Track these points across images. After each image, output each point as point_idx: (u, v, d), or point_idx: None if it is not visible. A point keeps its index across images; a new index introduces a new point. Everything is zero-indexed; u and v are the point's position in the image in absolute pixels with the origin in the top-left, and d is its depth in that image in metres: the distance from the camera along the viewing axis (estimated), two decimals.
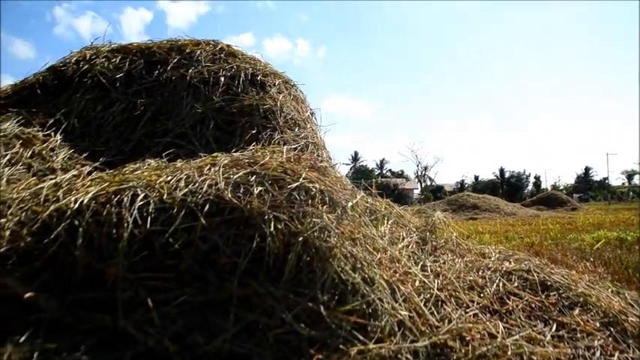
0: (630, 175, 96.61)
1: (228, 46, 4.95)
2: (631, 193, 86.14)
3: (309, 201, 2.34)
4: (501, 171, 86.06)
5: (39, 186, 2.85)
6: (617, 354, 2.34)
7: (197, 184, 2.33)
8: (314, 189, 2.41)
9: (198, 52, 4.64)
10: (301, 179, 2.41)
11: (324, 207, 2.36)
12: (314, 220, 2.20)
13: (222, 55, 4.69)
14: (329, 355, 1.84)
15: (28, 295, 2.01)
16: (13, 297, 2.06)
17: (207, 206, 2.19)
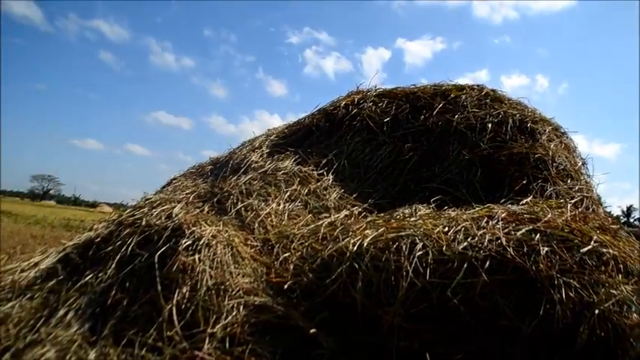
0: None
1: (493, 90, 4.83)
2: None
3: (602, 267, 2.10)
4: None
5: (316, 224, 3.02)
6: None
7: (476, 238, 2.24)
8: (607, 254, 2.15)
9: (463, 97, 4.59)
10: (592, 242, 2.18)
11: (620, 276, 2.10)
12: (610, 291, 1.96)
13: (487, 100, 4.58)
14: None
15: (312, 331, 2.10)
16: (296, 329, 2.17)
17: (487, 262, 2.09)
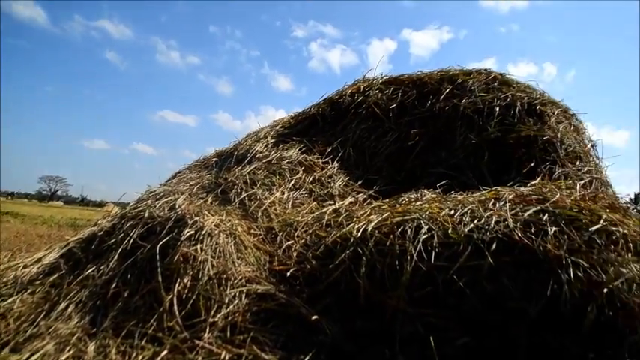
0: None
1: (501, 74, 4.75)
2: None
3: (612, 247, 2.05)
4: None
5: (320, 211, 2.99)
6: None
7: (483, 220, 2.20)
8: (617, 233, 2.10)
9: (471, 81, 4.53)
10: (601, 221, 2.13)
11: (629, 255, 2.04)
12: (619, 269, 1.91)
13: (495, 83, 4.51)
14: None
15: (314, 317, 2.08)
16: (299, 316, 2.15)
17: (494, 244, 2.05)
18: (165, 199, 3.25)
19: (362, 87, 4.94)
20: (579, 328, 1.80)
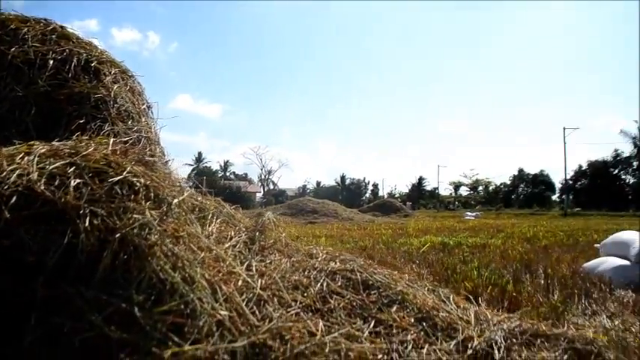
0: (457, 186, 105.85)
1: (61, 27, 4.55)
2: (457, 202, 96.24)
3: (132, 196, 2.23)
4: (342, 178, 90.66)
5: None
6: (426, 346, 2.49)
7: (4, 174, 2.12)
8: (138, 184, 2.30)
9: (25, 29, 4.21)
10: (125, 173, 2.29)
11: (148, 203, 2.26)
12: (135, 216, 2.09)
13: (53, 36, 4.29)
14: (141, 358, 1.76)
15: None
16: None
17: (14, 198, 2.00)
18: None
19: None
20: (96, 272, 1.92)
